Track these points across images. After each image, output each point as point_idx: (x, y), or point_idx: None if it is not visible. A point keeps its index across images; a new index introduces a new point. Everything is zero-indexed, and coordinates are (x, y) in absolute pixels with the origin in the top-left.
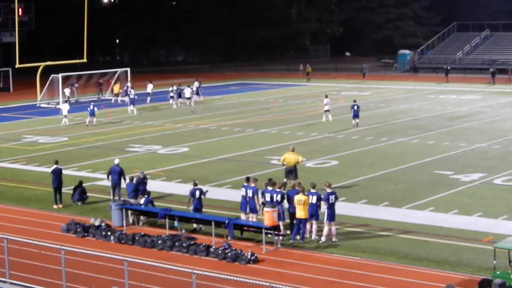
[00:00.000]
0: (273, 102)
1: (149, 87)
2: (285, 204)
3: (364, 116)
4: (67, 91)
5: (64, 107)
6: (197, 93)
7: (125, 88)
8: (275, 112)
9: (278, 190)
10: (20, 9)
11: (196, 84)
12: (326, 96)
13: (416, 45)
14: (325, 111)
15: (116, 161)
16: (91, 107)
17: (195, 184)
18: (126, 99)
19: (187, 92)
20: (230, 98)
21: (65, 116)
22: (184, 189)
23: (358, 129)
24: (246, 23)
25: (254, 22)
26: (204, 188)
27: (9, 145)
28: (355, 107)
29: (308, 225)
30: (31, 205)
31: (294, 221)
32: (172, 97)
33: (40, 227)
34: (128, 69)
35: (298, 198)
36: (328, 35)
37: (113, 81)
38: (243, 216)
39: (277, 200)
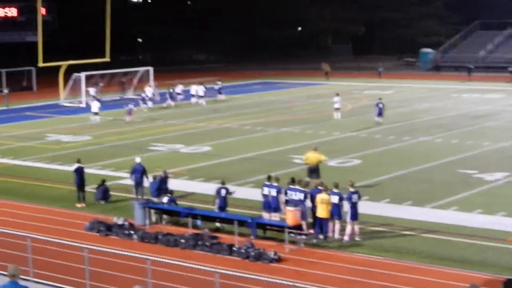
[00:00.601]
0: (294, 101)
1: (179, 88)
2: (308, 203)
3: (386, 115)
4: (92, 90)
5: (95, 105)
6: (220, 92)
7: (153, 88)
8: (297, 111)
9: (301, 188)
10: (43, 8)
11: (218, 83)
12: (337, 95)
13: (438, 43)
14: (335, 109)
15: (138, 160)
16: (131, 105)
17: (223, 183)
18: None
19: (199, 90)
20: (252, 97)
21: (96, 113)
22: (206, 188)
23: (381, 128)
24: (267, 21)
25: (275, 20)
26: (231, 188)
27: (32, 144)
28: (380, 105)
29: (331, 224)
30: (55, 204)
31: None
32: (193, 95)
33: (63, 225)
34: (151, 68)
35: (321, 197)
36: (350, 34)
37: (135, 80)
38: (265, 215)
39: (300, 199)
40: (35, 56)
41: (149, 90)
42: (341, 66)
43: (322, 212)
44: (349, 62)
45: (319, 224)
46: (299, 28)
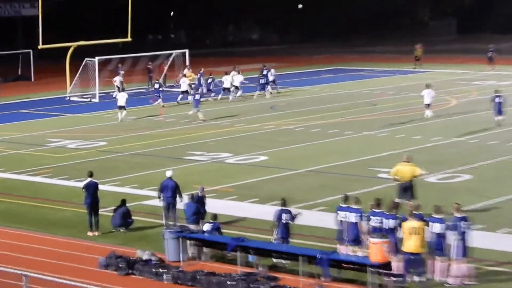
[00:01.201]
0: (380, 95)
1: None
2: (400, 232)
3: (505, 113)
4: (117, 79)
5: (122, 97)
6: (273, 82)
7: (198, 76)
8: (383, 108)
9: (389, 213)
10: None
11: (272, 72)
12: (428, 86)
13: None
14: (426, 105)
15: (169, 174)
16: (197, 96)
17: (284, 204)
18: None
19: (236, 79)
20: (322, 89)
21: (123, 107)
22: (261, 211)
23: (498, 131)
24: None
25: None
26: (294, 210)
27: (30, 152)
28: (498, 100)
29: (430, 262)
30: (58, 231)
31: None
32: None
33: (70, 260)
34: (186, 51)
35: (411, 225)
36: (454, 6)
37: (166, 67)
38: (341, 249)
39: (388, 227)
40: (33, 36)
41: (184, 82)
42: (442, 49)
43: (413, 244)
44: (453, 43)
45: (408, 261)
46: (300, 6)
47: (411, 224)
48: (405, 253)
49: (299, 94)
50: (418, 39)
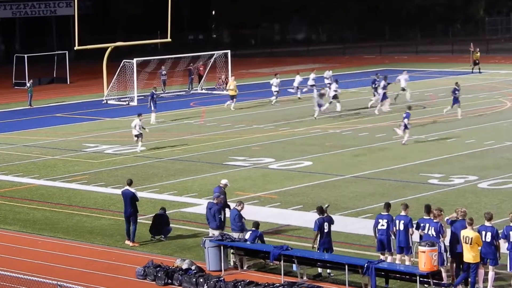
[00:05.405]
0: (432, 97)
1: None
2: (447, 240)
3: None
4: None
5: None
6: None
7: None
8: (435, 111)
9: (435, 221)
10: None
11: (312, 75)
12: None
13: None
14: None
15: (224, 182)
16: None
17: (321, 212)
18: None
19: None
20: (371, 91)
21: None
22: (305, 218)
23: None
24: None
25: None
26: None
27: (65, 157)
28: None
29: (481, 271)
30: (95, 240)
31: (462, 266)
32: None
33: (107, 270)
34: (228, 52)
35: (465, 234)
36: None
37: (207, 68)
38: (388, 258)
39: (432, 235)
40: (69, 36)
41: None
42: (497, 48)
43: (468, 255)
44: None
45: (465, 272)
46: None
47: (466, 233)
48: (464, 263)
49: (347, 96)
50: (472, 38)
